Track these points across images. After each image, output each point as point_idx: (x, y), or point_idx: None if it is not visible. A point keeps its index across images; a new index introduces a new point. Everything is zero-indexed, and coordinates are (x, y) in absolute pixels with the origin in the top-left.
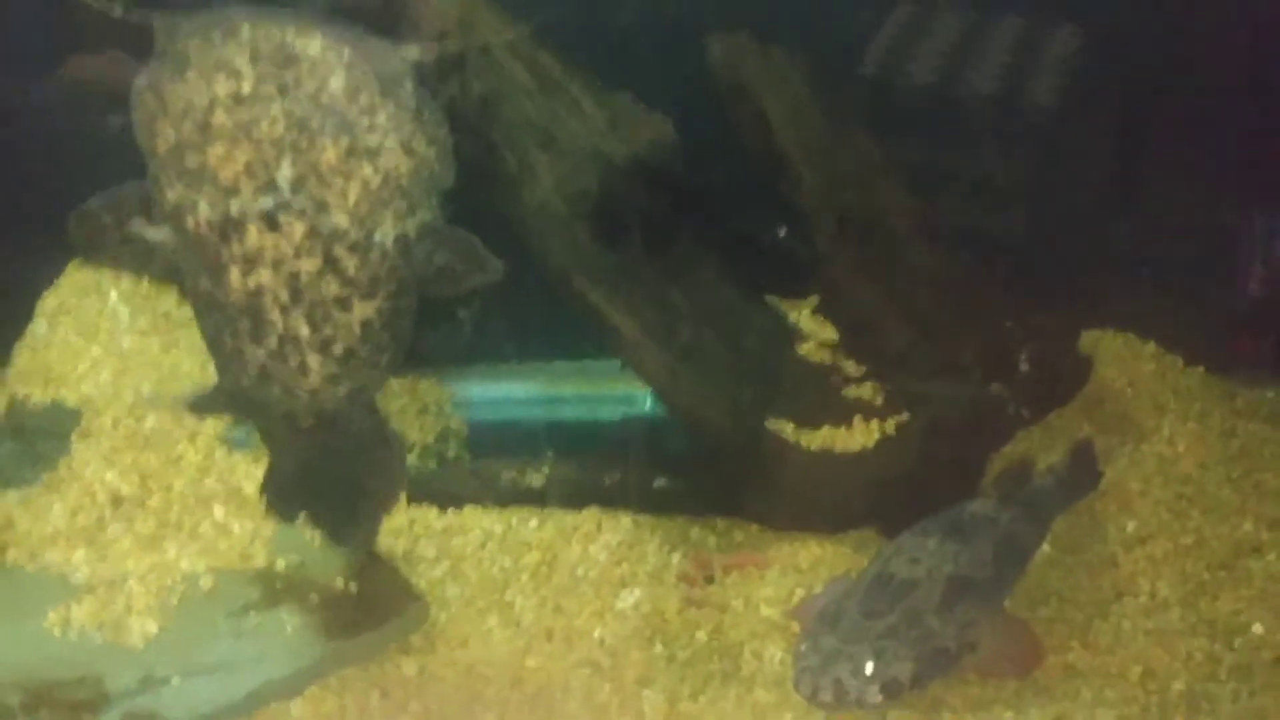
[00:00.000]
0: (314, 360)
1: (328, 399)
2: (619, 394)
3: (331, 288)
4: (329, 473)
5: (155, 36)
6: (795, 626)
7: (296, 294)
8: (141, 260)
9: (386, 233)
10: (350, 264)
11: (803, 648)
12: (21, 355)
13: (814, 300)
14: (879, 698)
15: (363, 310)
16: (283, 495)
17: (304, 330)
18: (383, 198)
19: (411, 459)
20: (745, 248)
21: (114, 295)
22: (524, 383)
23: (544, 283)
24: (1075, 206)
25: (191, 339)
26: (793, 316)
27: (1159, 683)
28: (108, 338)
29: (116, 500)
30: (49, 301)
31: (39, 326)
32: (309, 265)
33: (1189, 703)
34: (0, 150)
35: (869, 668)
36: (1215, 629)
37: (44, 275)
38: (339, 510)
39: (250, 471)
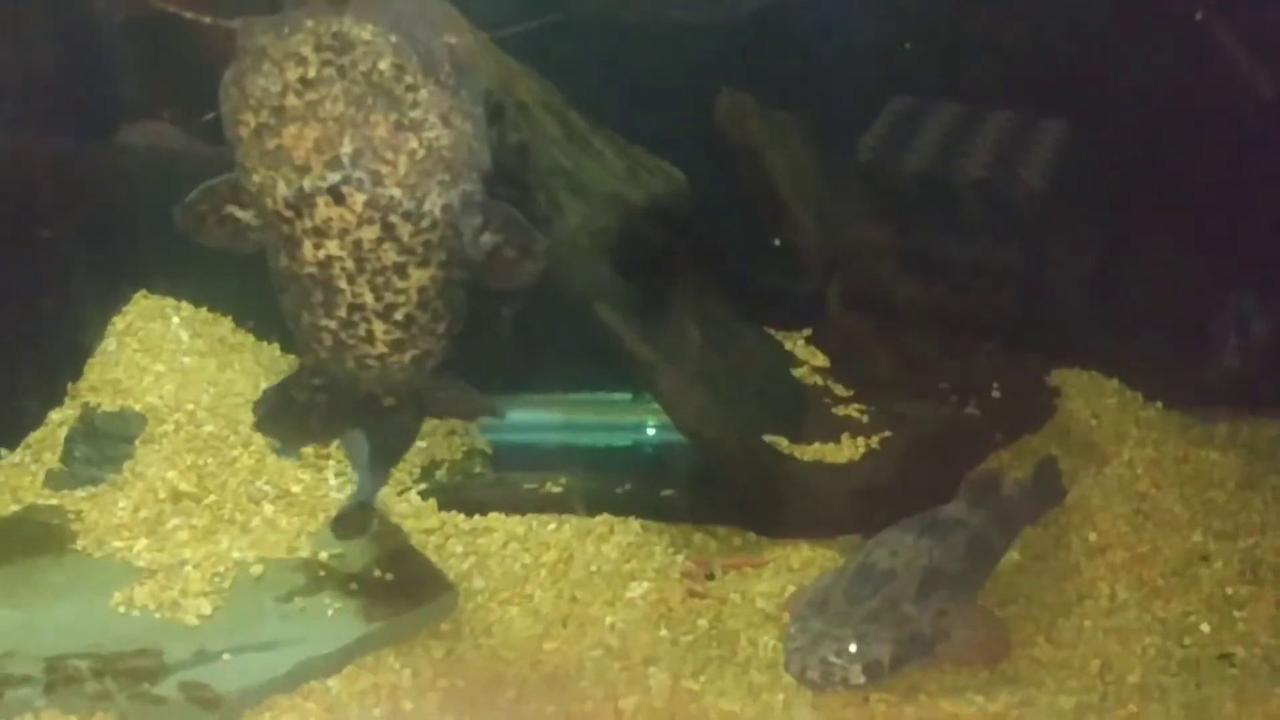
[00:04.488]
0: (379, 327)
1: (395, 365)
2: (629, 423)
3: (390, 255)
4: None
5: (237, 37)
6: (787, 618)
7: (360, 262)
8: (236, 239)
9: (434, 201)
10: (405, 231)
11: (792, 630)
12: (93, 370)
13: (808, 331)
14: (862, 678)
15: (419, 277)
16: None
17: (369, 297)
18: (427, 168)
19: (440, 474)
20: (748, 283)
21: (176, 319)
22: (545, 411)
23: (565, 321)
24: (1058, 270)
25: (244, 362)
26: (789, 344)
27: (1115, 674)
28: (170, 356)
29: (176, 497)
30: (118, 324)
31: (109, 345)
32: (369, 234)
33: (1142, 692)
34: (79, 192)
35: (852, 648)
36: (1167, 628)
37: (114, 300)
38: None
39: (297, 475)
